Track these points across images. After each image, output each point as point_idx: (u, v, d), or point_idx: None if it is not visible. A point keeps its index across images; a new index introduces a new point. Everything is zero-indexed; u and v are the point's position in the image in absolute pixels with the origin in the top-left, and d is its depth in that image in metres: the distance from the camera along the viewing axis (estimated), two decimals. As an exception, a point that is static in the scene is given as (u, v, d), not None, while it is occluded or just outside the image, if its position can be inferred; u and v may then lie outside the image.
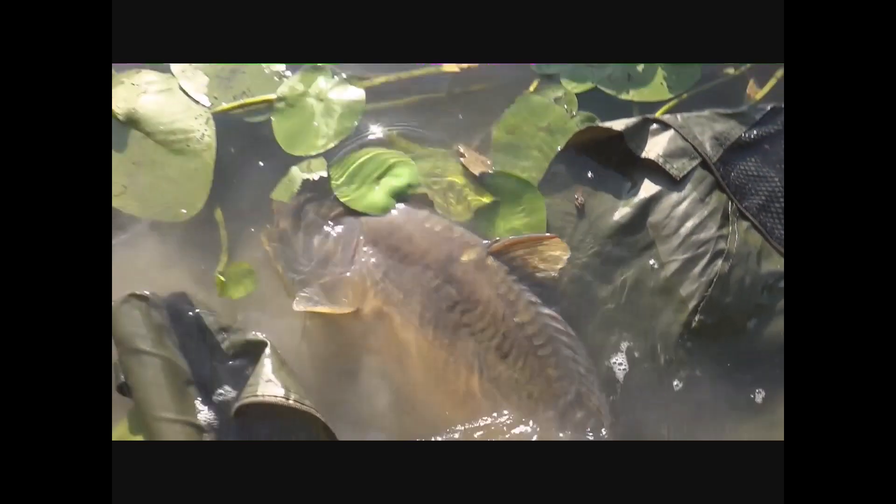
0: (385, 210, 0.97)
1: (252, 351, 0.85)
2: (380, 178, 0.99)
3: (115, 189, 0.96)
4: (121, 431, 0.84)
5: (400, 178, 0.99)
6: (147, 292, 0.82)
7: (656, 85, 1.05)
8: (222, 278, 0.93)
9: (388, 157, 1.00)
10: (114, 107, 0.99)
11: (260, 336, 0.87)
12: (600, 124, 0.95)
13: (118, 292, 0.82)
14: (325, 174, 0.99)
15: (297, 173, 0.99)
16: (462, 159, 0.98)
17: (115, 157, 0.98)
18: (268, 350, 0.83)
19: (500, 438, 0.87)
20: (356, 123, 1.01)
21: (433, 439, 0.88)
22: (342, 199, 0.98)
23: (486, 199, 0.98)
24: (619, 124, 0.92)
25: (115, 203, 0.95)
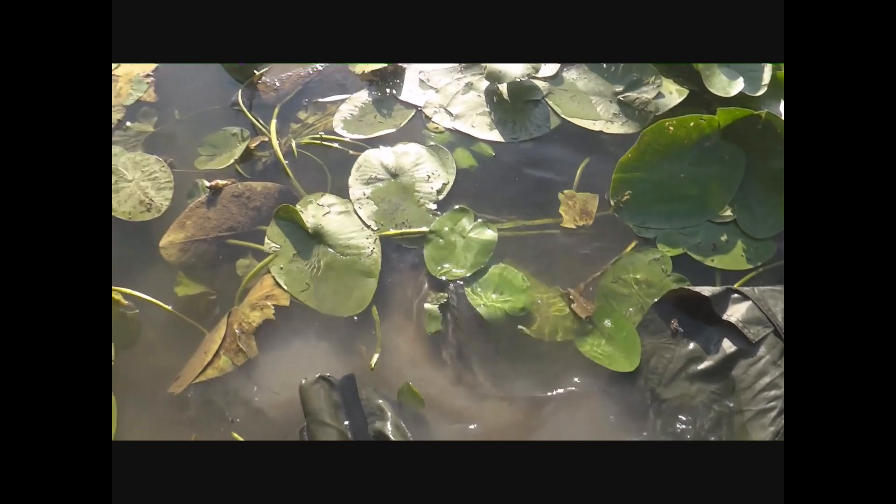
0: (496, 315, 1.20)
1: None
2: (501, 293, 1.23)
3: (300, 286, 1.24)
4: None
5: (516, 302, 1.22)
6: (330, 376, 1.05)
7: (737, 255, 1.26)
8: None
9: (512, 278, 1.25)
10: (304, 221, 1.29)
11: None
12: (691, 287, 1.15)
13: (305, 373, 1.07)
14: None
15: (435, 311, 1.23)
16: (572, 304, 1.21)
17: (303, 262, 1.27)
18: None
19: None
20: (488, 259, 1.27)
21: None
22: (474, 304, 1.21)
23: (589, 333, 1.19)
24: (706, 290, 1.13)
25: (302, 297, 1.23)
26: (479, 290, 1.23)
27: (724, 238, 1.27)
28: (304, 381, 1.04)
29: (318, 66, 1.59)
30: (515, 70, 1.44)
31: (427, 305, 1.22)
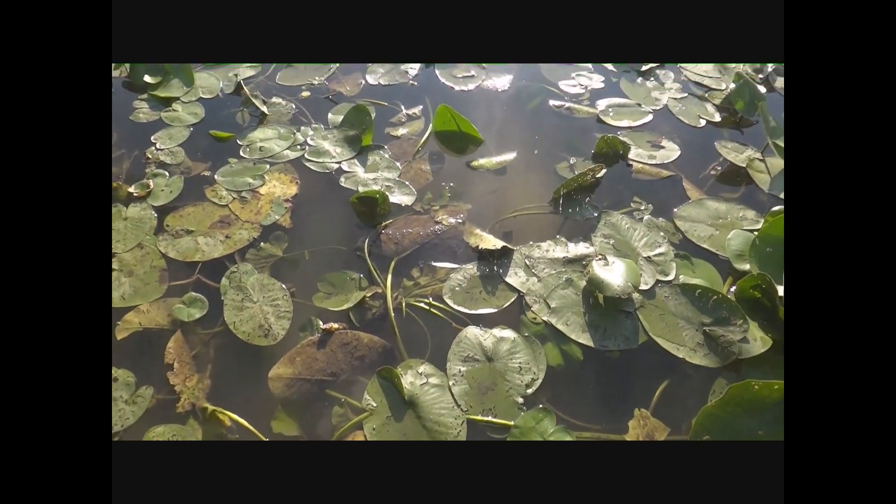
0: None
1: None
2: None
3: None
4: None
5: None
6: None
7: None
8: None
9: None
10: (403, 387, 1.41)
11: None
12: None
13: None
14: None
15: None
16: None
17: (395, 426, 1.38)
18: None
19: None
20: (563, 465, 1.35)
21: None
22: None
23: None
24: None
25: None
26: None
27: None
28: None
29: (437, 229, 1.77)
30: (616, 283, 1.58)
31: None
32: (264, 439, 1.34)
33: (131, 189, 1.89)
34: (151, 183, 1.92)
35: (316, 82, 2.43)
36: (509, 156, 2.07)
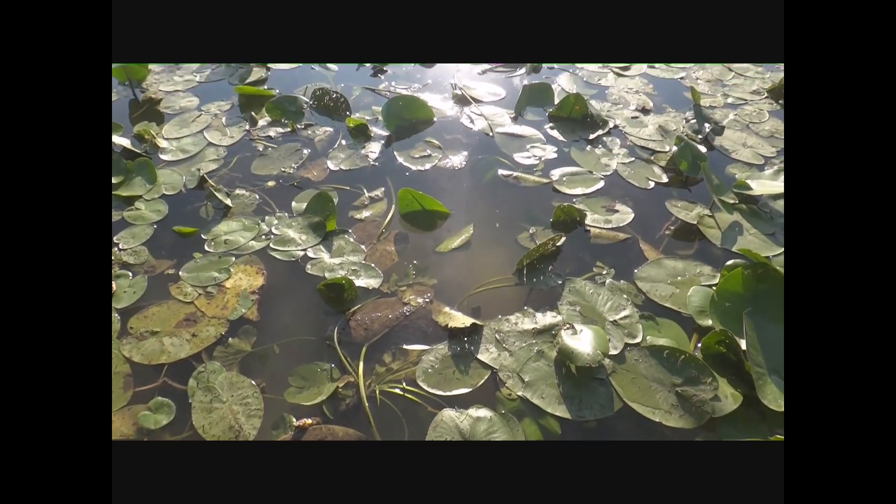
0: None
1: None
2: None
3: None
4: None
5: None
6: None
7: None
8: None
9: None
10: (381, 479, 1.37)
11: None
12: None
13: None
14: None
15: None
16: None
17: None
18: None
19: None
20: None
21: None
22: None
23: None
24: None
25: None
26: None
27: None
28: None
29: (406, 311, 1.79)
30: (585, 352, 1.60)
31: None
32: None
33: (93, 293, 1.86)
34: (114, 285, 1.90)
35: (288, 170, 2.48)
36: (470, 230, 2.13)
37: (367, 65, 3.44)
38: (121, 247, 2.07)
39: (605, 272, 1.95)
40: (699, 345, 1.70)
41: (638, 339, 1.72)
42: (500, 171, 2.45)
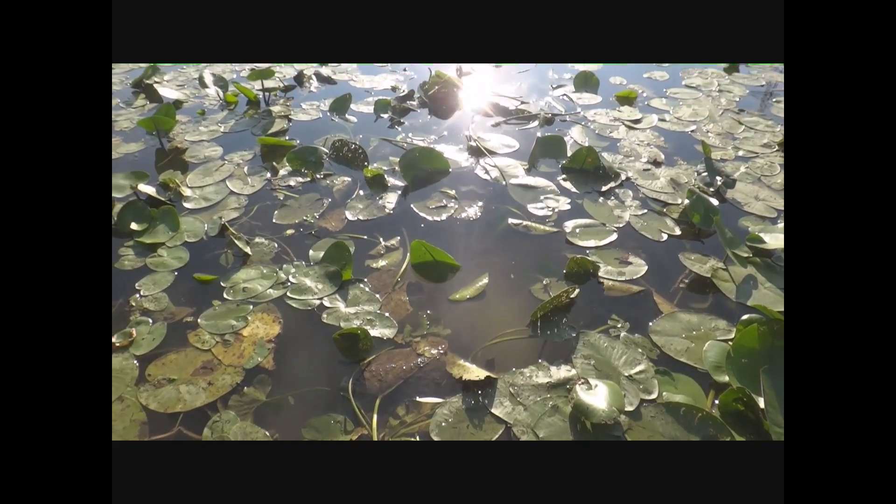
0: None
1: None
2: None
3: None
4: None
5: None
6: None
7: None
8: None
9: None
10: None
11: None
12: None
13: None
14: None
15: None
16: None
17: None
18: None
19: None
20: None
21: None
22: None
23: None
24: None
25: None
26: None
27: None
28: None
29: (420, 362, 1.79)
30: (601, 408, 1.59)
31: None
32: None
33: (114, 339, 1.90)
34: (134, 331, 1.94)
35: (309, 219, 2.54)
36: (485, 280, 2.15)
37: (384, 115, 3.56)
38: (142, 293, 2.12)
39: (619, 325, 1.95)
40: (716, 401, 1.68)
41: (654, 395, 1.70)
42: (511, 220, 2.49)
